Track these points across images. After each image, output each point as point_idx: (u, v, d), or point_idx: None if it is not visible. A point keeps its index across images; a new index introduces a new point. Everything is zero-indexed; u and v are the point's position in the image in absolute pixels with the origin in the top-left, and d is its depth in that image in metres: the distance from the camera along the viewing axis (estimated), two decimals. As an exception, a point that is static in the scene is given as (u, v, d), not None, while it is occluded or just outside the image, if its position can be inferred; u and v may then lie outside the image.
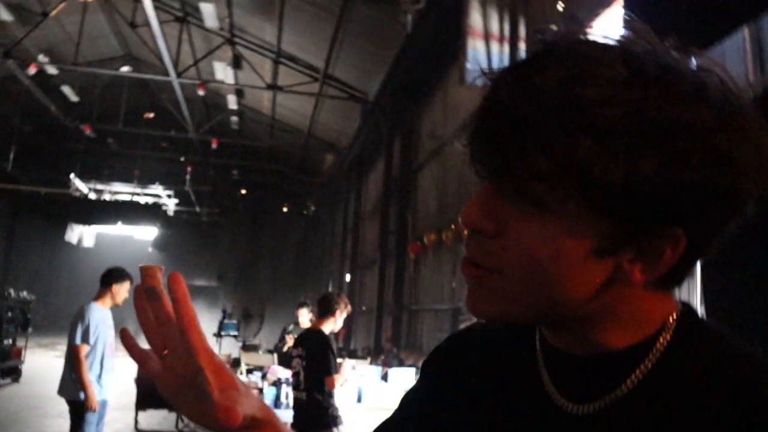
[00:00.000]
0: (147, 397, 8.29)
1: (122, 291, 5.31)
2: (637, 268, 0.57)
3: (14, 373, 11.49)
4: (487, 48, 7.44)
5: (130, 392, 8.34)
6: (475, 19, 6.99)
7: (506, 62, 7.46)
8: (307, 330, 5.08)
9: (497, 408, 0.69)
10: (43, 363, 13.84)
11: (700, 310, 0.64)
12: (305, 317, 7.59)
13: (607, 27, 0.60)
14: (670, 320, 0.62)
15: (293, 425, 4.67)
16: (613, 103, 0.52)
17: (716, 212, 0.56)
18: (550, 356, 0.67)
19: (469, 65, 7.40)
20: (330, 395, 4.63)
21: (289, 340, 7.45)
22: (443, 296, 10.71)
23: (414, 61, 11.71)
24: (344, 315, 4.91)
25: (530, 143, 0.54)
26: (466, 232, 0.64)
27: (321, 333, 4.78)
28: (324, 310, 4.83)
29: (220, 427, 0.60)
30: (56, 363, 13.00)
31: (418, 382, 0.83)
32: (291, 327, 7.68)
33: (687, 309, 0.64)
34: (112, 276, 5.29)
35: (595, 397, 0.61)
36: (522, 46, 7.19)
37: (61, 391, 5.13)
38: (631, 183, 0.53)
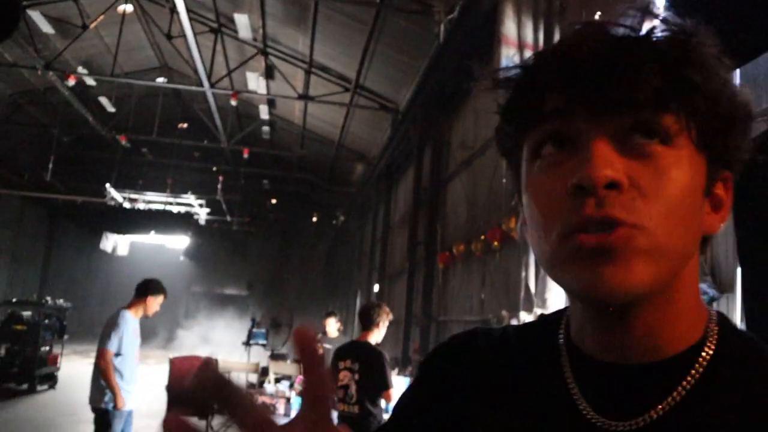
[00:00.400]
0: (177, 404, 8.34)
1: (156, 304, 5.36)
2: (715, 216, 0.58)
3: (50, 380, 11.68)
4: (521, 57, 7.41)
5: (161, 399, 8.42)
6: (509, 27, 6.95)
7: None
8: (354, 343, 5.02)
9: (517, 417, 0.63)
10: (78, 370, 14.05)
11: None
12: (333, 327, 7.59)
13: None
14: (712, 326, 0.60)
15: None
16: (703, 43, 0.56)
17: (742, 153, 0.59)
18: (581, 365, 0.61)
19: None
20: (382, 409, 4.66)
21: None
22: (472, 307, 10.63)
23: (446, 71, 11.71)
24: (386, 325, 4.90)
25: (649, 71, 0.53)
26: (584, 197, 0.54)
27: (372, 346, 4.80)
28: (367, 323, 4.82)
29: None
30: (90, 370, 13.22)
31: (415, 381, 0.76)
32: (319, 336, 7.68)
33: (722, 315, 0.62)
34: (149, 288, 5.35)
35: (637, 412, 0.56)
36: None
37: (91, 396, 5.18)
38: (730, 115, 0.56)
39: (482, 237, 9.69)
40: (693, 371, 0.57)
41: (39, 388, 11.15)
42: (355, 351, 4.80)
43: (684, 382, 0.56)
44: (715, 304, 3.88)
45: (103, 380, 5.06)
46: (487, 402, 0.66)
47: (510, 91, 0.61)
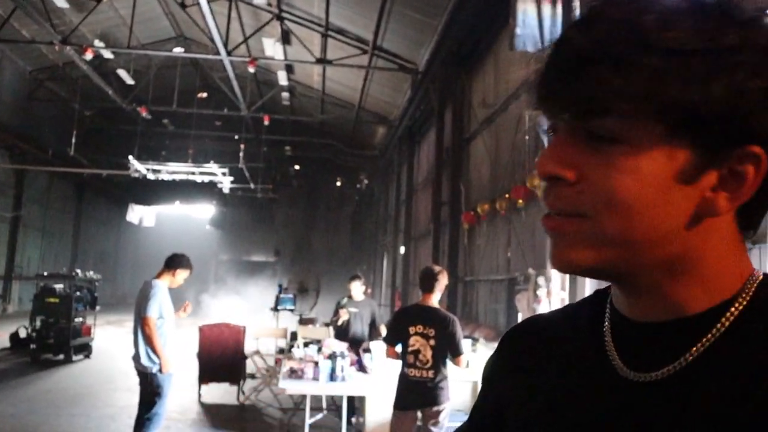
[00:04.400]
0: (209, 371, 8.52)
1: (181, 277, 5.56)
2: (721, 196, 0.57)
3: (86, 350, 11.96)
4: (538, 11, 7.20)
5: (193, 366, 8.58)
6: (526, -20, 6.76)
7: (559, 25, 7.21)
8: (421, 307, 4.83)
9: (563, 383, 0.68)
10: (111, 339, 14.39)
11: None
12: (358, 290, 7.60)
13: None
14: (749, 285, 0.60)
15: (408, 403, 4.73)
16: (675, 27, 0.54)
17: None
18: (618, 326, 0.65)
19: (519, 30, 7.18)
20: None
21: (343, 314, 7.48)
22: (498, 266, 10.59)
23: (463, 29, 11.47)
24: (443, 288, 4.89)
25: (600, 71, 0.55)
26: (541, 188, 0.62)
27: (445, 312, 4.85)
28: (429, 286, 4.78)
29: None
30: (124, 339, 13.47)
31: (495, 354, 0.83)
32: (344, 300, 7.70)
33: (767, 275, 0.62)
34: (179, 261, 5.53)
35: (661, 365, 0.60)
36: (576, 7, 6.91)
37: (135, 361, 5.32)
38: (706, 102, 0.54)
39: (506, 195, 9.59)
40: (719, 325, 0.59)
41: (75, 358, 11.42)
42: (427, 315, 4.75)
43: (709, 335, 0.59)
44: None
45: (148, 346, 5.18)
46: (539, 369, 0.72)
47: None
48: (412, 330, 4.71)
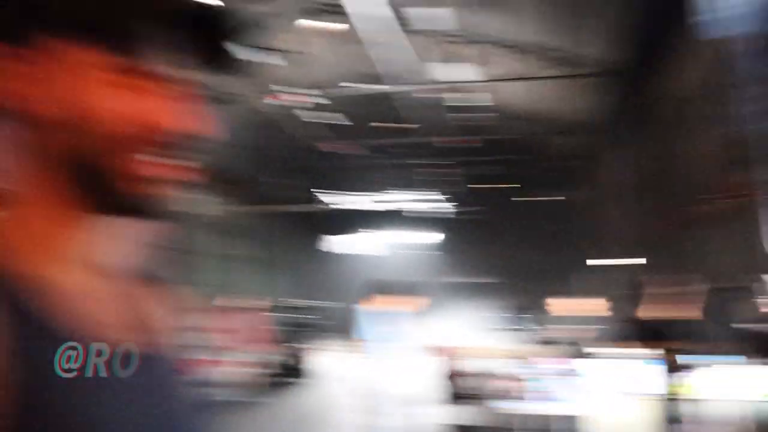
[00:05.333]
0: (453, 391, 8.48)
1: (388, 301, 5.70)
2: None
3: (306, 374, 12.96)
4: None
5: (432, 387, 8.59)
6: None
7: (750, 7, 6.26)
8: None
9: None
10: (328, 364, 15.26)
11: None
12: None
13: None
14: None
15: None
16: None
17: None
18: None
19: (703, 16, 6.43)
20: None
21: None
22: None
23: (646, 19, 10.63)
24: None
25: None
26: None
27: None
28: None
29: None
30: (340, 363, 14.24)
31: None
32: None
33: None
34: (379, 286, 5.74)
35: None
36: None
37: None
38: None
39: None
40: None
41: (298, 381, 12.47)
42: None
43: None
44: None
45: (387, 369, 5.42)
46: None
47: None
48: None
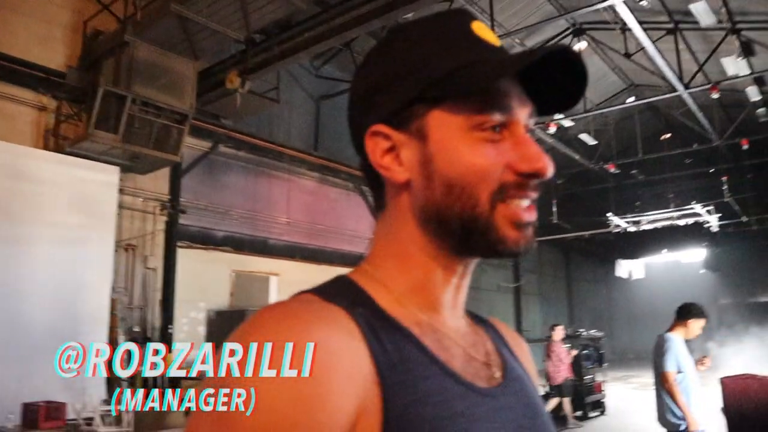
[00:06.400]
0: (739, 427, 7.73)
1: (697, 327, 5.25)
2: None
3: (599, 407, 12.26)
4: None
5: (718, 423, 7.92)
6: None
7: None
8: None
9: None
10: (621, 396, 14.42)
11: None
12: None
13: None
14: None
15: None
16: None
17: None
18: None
19: None
20: None
21: None
22: None
23: None
24: None
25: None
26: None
27: None
28: None
29: None
30: (634, 395, 13.34)
31: None
32: None
33: None
34: (690, 311, 5.30)
35: None
36: None
37: (661, 420, 5.21)
38: None
39: None
40: None
41: (590, 414, 11.77)
42: None
43: None
44: None
45: (671, 401, 5.06)
46: None
47: None
48: None
